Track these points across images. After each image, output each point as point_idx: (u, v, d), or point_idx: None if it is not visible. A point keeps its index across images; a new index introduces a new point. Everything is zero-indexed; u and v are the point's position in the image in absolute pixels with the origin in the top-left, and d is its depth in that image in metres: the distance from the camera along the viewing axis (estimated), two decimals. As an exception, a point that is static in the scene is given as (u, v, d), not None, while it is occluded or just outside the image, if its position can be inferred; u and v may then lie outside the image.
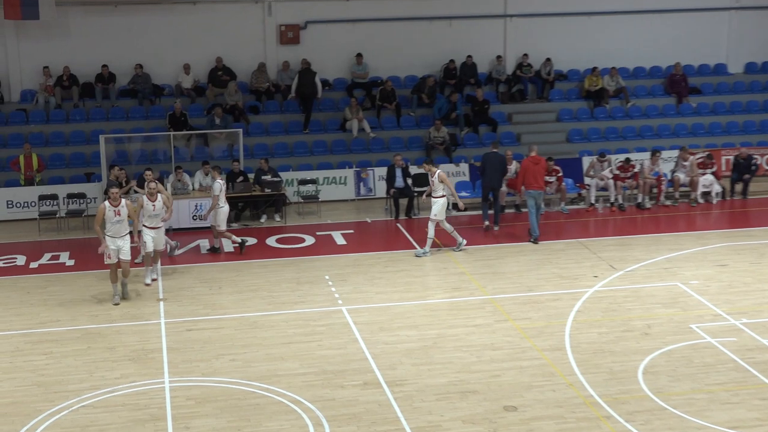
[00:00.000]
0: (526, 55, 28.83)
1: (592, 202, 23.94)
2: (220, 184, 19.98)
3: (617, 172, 23.78)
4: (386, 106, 27.66)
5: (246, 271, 18.96)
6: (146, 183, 18.65)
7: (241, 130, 25.07)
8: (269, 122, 27.14)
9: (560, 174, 23.54)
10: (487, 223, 21.85)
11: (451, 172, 24.79)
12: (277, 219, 23.14)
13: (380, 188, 24.78)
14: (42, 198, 23.11)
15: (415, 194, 23.25)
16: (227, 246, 20.46)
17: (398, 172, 23.08)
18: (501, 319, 15.94)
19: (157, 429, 12.15)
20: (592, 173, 23.99)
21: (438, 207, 19.75)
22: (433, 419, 12.27)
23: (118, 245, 16.86)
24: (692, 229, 21.93)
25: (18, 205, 23.61)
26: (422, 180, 23.98)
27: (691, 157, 24.27)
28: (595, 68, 28.93)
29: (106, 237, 16.84)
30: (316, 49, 27.92)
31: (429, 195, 20.07)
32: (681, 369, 13.73)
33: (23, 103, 26.92)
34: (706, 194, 24.33)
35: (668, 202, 24.01)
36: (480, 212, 22.22)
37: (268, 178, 23.15)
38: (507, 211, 23.25)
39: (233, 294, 17.54)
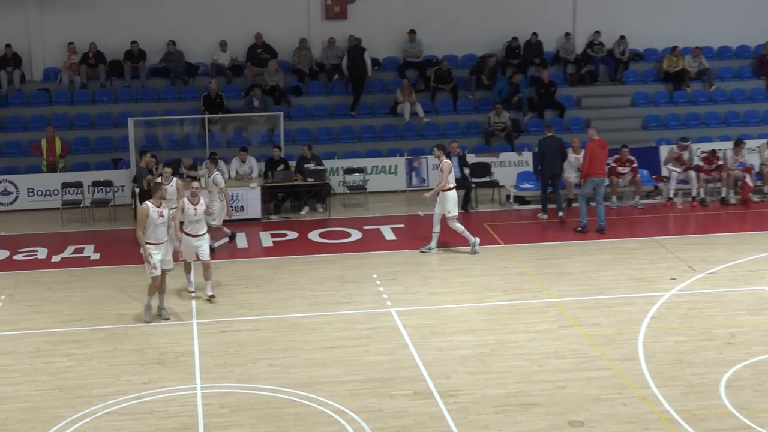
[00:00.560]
0: (597, 32, 28.66)
1: (671, 196, 23.73)
2: (222, 177, 20.43)
3: (701, 163, 23.54)
4: (442, 88, 27.65)
5: (286, 268, 19.05)
6: (183, 180, 18.62)
7: (282, 113, 25.20)
8: (312, 105, 27.27)
9: (635, 165, 23.38)
10: (545, 216, 21.93)
11: (513, 161, 24.72)
12: (321, 211, 23.25)
13: (434, 178, 24.78)
14: (65, 186, 23.38)
15: (473, 186, 23.24)
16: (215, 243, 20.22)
17: (455, 161, 23.00)
18: (566, 324, 15.89)
19: (187, 439, 12.28)
20: (671, 165, 23.73)
21: (451, 203, 19.59)
22: (491, 434, 12.28)
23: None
24: (783, 228, 21.76)
25: (39, 193, 23.92)
26: (481, 170, 23.95)
27: (782, 147, 24.01)
28: (675, 47, 28.68)
29: (148, 245, 15.68)
30: (365, 25, 27.99)
31: (443, 189, 19.50)
32: (769, 383, 13.62)
33: (46, 83, 27.28)
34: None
35: (756, 198, 23.73)
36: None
37: (311, 166, 23.23)
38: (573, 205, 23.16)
39: (271, 293, 17.63)
